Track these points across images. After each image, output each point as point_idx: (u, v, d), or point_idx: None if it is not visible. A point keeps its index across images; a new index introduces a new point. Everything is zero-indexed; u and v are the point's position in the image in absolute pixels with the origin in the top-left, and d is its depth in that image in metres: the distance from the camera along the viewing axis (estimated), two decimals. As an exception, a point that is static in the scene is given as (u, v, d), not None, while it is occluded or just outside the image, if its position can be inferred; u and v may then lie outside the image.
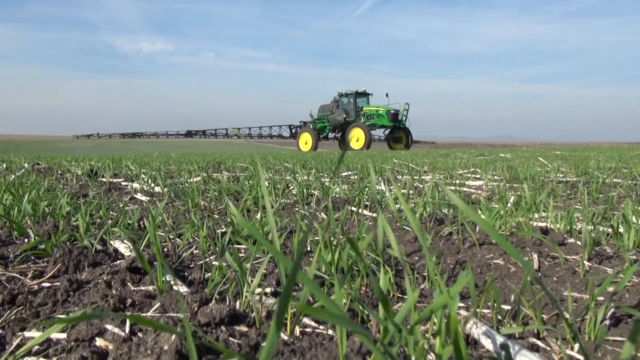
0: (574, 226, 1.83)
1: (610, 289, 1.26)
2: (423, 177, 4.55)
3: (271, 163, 6.75)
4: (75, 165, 5.61)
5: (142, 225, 1.96)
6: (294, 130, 34.87)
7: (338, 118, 28.74)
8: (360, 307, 1.00)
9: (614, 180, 3.99)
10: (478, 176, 4.62)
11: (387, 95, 27.95)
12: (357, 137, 26.57)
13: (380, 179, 3.88)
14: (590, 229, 1.78)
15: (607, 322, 1.06)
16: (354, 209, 2.28)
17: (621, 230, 1.75)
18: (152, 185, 3.52)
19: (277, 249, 0.50)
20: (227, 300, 0.88)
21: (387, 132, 28.55)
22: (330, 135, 30.35)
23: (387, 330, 0.52)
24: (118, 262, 1.08)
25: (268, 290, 1.09)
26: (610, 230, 1.80)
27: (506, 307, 1.20)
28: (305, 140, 30.01)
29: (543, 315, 1.14)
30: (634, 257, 1.51)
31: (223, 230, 1.86)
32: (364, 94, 28.81)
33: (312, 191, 2.98)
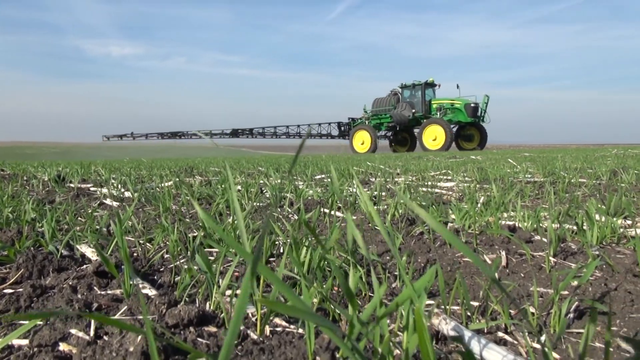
0: (541, 224, 1.88)
1: (575, 283, 1.30)
2: (396, 180, 4.59)
3: (245, 167, 6.70)
4: (42, 171, 5.45)
5: (111, 231, 1.92)
6: (343, 129, 29.51)
7: (405, 113, 24.22)
8: (332, 307, 1.00)
9: (580, 180, 4.12)
10: (449, 178, 4.69)
11: (457, 86, 23.35)
12: (434, 136, 22.42)
13: (354, 181, 3.90)
14: (555, 227, 1.83)
15: (571, 315, 1.09)
16: (326, 210, 2.29)
17: (585, 227, 1.81)
18: (122, 190, 3.45)
19: (239, 244, 0.50)
20: (197, 302, 0.87)
21: (454, 128, 23.80)
22: (377, 132, 25.98)
23: (353, 324, 0.52)
24: (84, 266, 1.05)
25: (239, 292, 1.08)
26: (575, 227, 1.85)
27: (476, 303, 1.22)
28: (362, 140, 25.61)
29: (511, 311, 1.17)
30: (597, 252, 1.56)
31: (195, 234, 1.84)
32: (432, 85, 24.44)
33: (286, 194, 2.97)
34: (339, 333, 0.48)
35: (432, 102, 23.91)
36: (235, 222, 1.77)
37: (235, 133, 30.92)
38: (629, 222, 2.10)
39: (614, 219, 1.88)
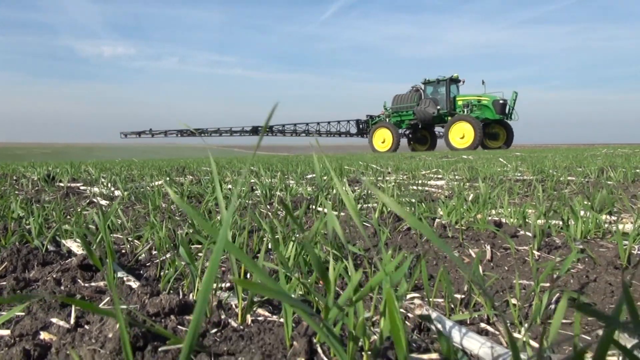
0: (527, 220, 1.90)
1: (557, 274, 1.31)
2: (387, 178, 4.61)
3: (237, 167, 6.70)
4: (31, 171, 5.42)
5: (99, 227, 1.92)
6: (361, 126, 27.92)
7: (429, 110, 22.78)
8: (316, 299, 1.01)
9: (568, 178, 4.16)
10: (440, 176, 4.72)
11: (483, 82, 21.85)
12: (462, 134, 21.06)
13: (345, 180, 3.91)
14: (541, 222, 1.85)
15: (553, 306, 1.11)
16: (318, 208, 2.30)
17: (571, 223, 1.83)
18: (112, 189, 3.44)
19: (208, 223, 0.51)
20: (180, 293, 0.88)
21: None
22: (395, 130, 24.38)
23: (328, 307, 0.53)
24: (69, 260, 1.06)
25: (226, 285, 1.09)
26: (560, 222, 1.88)
27: (459, 296, 1.23)
28: (383, 138, 24.18)
29: (495, 302, 1.19)
30: (581, 246, 1.58)
31: (184, 232, 1.84)
32: (456, 81, 23.02)
33: (277, 192, 2.98)
34: (314, 316, 0.49)
35: (457, 98, 22.64)
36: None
37: (255, 130, 29.41)
38: (614, 218, 2.13)
39: (599, 214, 1.90)
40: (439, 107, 22.54)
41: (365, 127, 27.58)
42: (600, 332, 0.95)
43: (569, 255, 1.42)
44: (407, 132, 25.54)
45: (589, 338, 0.95)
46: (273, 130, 29.41)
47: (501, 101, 21.24)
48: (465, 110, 21.87)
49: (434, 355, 0.63)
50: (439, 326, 0.93)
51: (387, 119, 24.98)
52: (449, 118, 22.34)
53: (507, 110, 21.44)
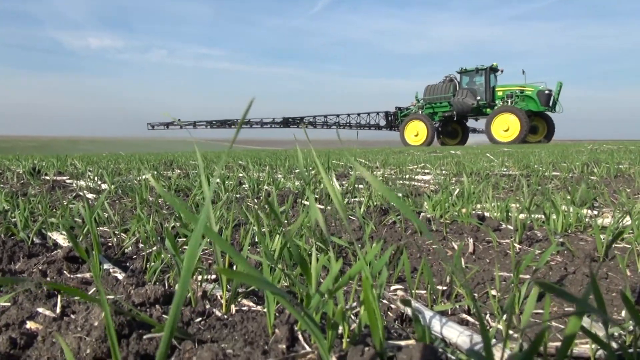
0: (510, 214, 1.94)
1: (541, 269, 1.35)
2: (375, 173, 4.64)
3: (225, 161, 6.68)
4: (16, 164, 5.36)
5: (85, 220, 1.92)
6: (390, 119, 26.07)
7: (467, 101, 21.27)
8: (300, 290, 1.03)
9: (553, 173, 4.22)
10: (427, 171, 4.76)
11: (523, 72, 20.39)
12: (506, 126, 19.65)
13: (333, 174, 3.93)
14: (523, 216, 1.89)
15: (534, 299, 1.14)
16: (302, 201, 2.31)
17: (553, 217, 1.87)
18: (99, 182, 3.42)
19: (189, 212, 0.52)
20: (166, 284, 0.89)
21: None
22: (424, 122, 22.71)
23: (309, 295, 0.55)
24: (55, 252, 1.06)
25: (211, 277, 1.10)
26: (542, 217, 1.92)
27: (442, 287, 1.26)
28: (416, 131, 22.51)
29: (475, 294, 1.21)
30: (561, 240, 1.62)
31: (171, 225, 1.85)
32: (495, 70, 21.37)
33: (265, 186, 2.99)
34: (295, 304, 0.50)
35: (496, 88, 21.12)
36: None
37: (286, 122, 27.64)
38: (595, 212, 2.18)
39: (581, 208, 1.94)
40: (478, 98, 21.07)
41: (393, 120, 26.02)
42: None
43: (548, 248, 1.46)
44: (437, 125, 23.77)
45: (563, 327, 0.99)
46: (304, 122, 27.91)
47: (546, 92, 19.80)
48: (509, 101, 20.34)
49: (412, 342, 0.65)
50: (417, 313, 0.95)
51: (420, 111, 23.28)
52: (488, 110, 21.07)
53: (551, 102, 20.01)
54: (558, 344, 0.88)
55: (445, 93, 22.42)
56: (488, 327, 1.02)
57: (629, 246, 1.51)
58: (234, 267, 1.20)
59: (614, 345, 0.83)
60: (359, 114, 27.15)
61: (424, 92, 23.43)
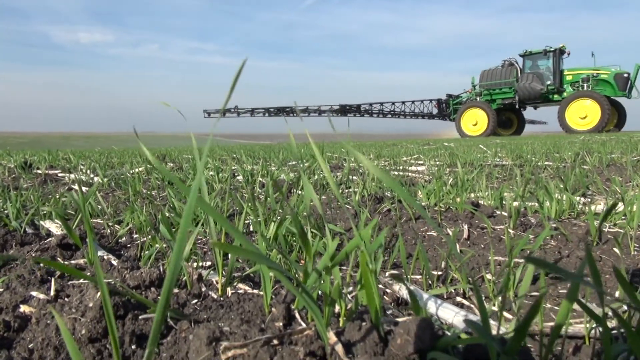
0: (504, 202, 1.95)
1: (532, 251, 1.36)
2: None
3: (219, 154, 6.66)
4: (7, 159, 5.31)
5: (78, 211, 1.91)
6: (442, 107, 23.87)
7: (536, 86, 19.25)
8: (297, 274, 1.03)
9: (546, 163, 4.24)
10: (421, 162, 4.77)
11: (592, 55, 18.85)
12: (584, 113, 17.73)
13: (328, 166, 3.93)
14: (517, 203, 1.90)
15: (528, 281, 1.15)
16: (296, 191, 2.31)
17: (547, 204, 1.88)
18: (92, 175, 3.40)
19: (183, 184, 0.52)
20: (160, 268, 0.89)
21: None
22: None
23: (307, 272, 0.54)
24: (48, 240, 1.05)
25: (208, 264, 1.10)
26: (536, 204, 1.93)
27: (438, 272, 1.26)
28: (475, 120, 20.40)
29: (470, 278, 1.22)
30: (554, 225, 1.63)
31: (165, 215, 1.84)
32: (562, 52, 19.38)
33: (259, 178, 2.98)
34: (289, 277, 0.50)
35: (565, 72, 19.24)
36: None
37: (343, 110, 25.63)
38: (588, 199, 2.19)
39: (574, 195, 1.96)
40: (548, 83, 18.99)
41: (445, 108, 23.85)
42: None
43: (542, 232, 1.47)
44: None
45: (557, 308, 0.99)
46: (360, 110, 25.67)
47: (625, 75, 17.86)
48: (585, 85, 18.35)
49: (408, 317, 0.65)
50: (413, 292, 0.96)
51: (478, 98, 20.89)
52: (555, 96, 19.19)
53: (628, 87, 18.07)
54: (553, 324, 0.89)
55: (506, 78, 20.19)
56: (499, 315, 1.03)
57: (622, 230, 1.52)
58: (229, 256, 1.19)
59: (609, 324, 0.84)
60: (413, 102, 24.95)
61: (480, 77, 21.19)
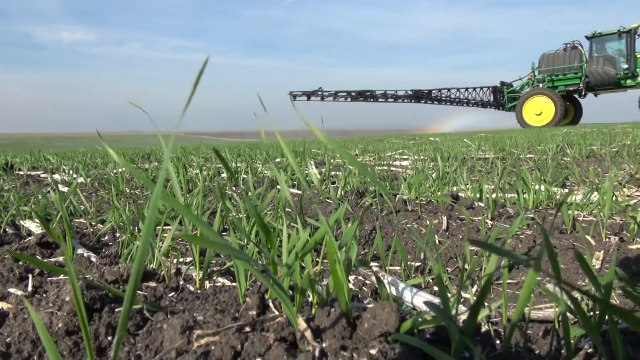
0: (485, 195, 1.98)
1: (509, 240, 1.39)
2: (353, 160, 4.66)
3: (204, 152, 6.64)
4: (-12, 160, 5.24)
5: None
6: (498, 95, 21.92)
7: (609, 71, 17.58)
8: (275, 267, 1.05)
9: (528, 155, 4.31)
10: (405, 157, 4.81)
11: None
12: None
13: (312, 162, 3.95)
14: (495, 196, 1.94)
15: (500, 269, 1.18)
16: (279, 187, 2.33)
17: (526, 195, 1.92)
18: (75, 176, 3.38)
19: (147, 178, 0.53)
20: (140, 264, 0.90)
21: None
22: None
23: (274, 261, 0.56)
24: (28, 239, 1.06)
25: (188, 259, 1.11)
26: (515, 195, 1.97)
27: (417, 264, 1.29)
28: (540, 109, 18.45)
29: (448, 268, 1.25)
30: (531, 215, 1.67)
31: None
32: (635, 32, 17.71)
33: (243, 175, 2.99)
34: (257, 266, 0.52)
35: (638, 55, 17.53)
36: (188, 199, 1.79)
37: (417, 96, 23.77)
38: (567, 190, 2.24)
39: (551, 186, 2.00)
40: (625, 67, 17.29)
41: (500, 97, 22.07)
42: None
43: (515, 221, 1.50)
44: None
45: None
46: (431, 97, 23.91)
47: None
48: None
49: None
50: (381, 278, 0.98)
51: (541, 85, 18.95)
52: (629, 81, 17.55)
53: None
54: (527, 310, 0.92)
55: (570, 62, 18.41)
56: (457, 295, 1.06)
57: (596, 219, 1.56)
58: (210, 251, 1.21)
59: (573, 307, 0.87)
60: (466, 89, 23.24)
61: (539, 62, 19.35)
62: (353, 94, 25.50)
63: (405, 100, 24.59)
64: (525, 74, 20.20)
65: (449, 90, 23.70)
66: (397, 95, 24.58)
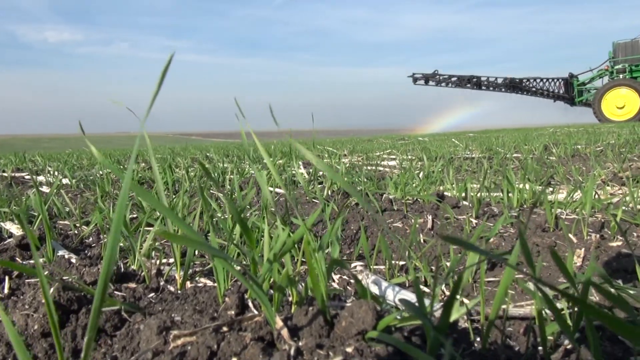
0: (471, 193, 2.00)
1: (492, 239, 1.40)
2: (342, 160, 4.67)
3: (192, 153, 6.60)
4: (-28, 162, 5.16)
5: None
6: (570, 89, 20.08)
7: None
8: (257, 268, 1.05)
9: (515, 155, 4.35)
10: (393, 157, 4.83)
11: None
12: None
13: (301, 162, 3.95)
14: (480, 195, 1.95)
15: (484, 266, 1.19)
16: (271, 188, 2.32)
17: (511, 194, 1.94)
18: (60, 177, 3.34)
19: (121, 171, 0.53)
20: (121, 265, 0.89)
21: None
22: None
23: (254, 260, 0.56)
24: (8, 241, 1.04)
25: (170, 260, 1.11)
26: (500, 194, 1.98)
27: (402, 262, 1.30)
28: (622, 102, 16.66)
29: (432, 267, 1.26)
30: (514, 213, 1.68)
31: (134, 215, 1.83)
32: None
33: (230, 176, 2.98)
34: (238, 265, 0.52)
35: None
36: (174, 200, 1.78)
37: (512, 85, 21.57)
38: (551, 188, 2.26)
39: (536, 185, 2.02)
40: None
41: (570, 91, 20.39)
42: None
43: (505, 223, 1.52)
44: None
45: (513, 292, 1.04)
46: (522, 87, 21.54)
47: None
48: None
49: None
50: (358, 275, 0.99)
51: (621, 75, 17.14)
52: None
53: None
54: (509, 307, 0.93)
55: None
56: (433, 293, 1.06)
57: (578, 217, 1.58)
58: (197, 252, 1.20)
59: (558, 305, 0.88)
60: (550, 79, 21.31)
61: (614, 51, 17.57)
62: (464, 79, 22.81)
63: (503, 90, 22.33)
64: (596, 65, 18.49)
65: (534, 80, 21.76)
66: (496, 83, 22.32)
